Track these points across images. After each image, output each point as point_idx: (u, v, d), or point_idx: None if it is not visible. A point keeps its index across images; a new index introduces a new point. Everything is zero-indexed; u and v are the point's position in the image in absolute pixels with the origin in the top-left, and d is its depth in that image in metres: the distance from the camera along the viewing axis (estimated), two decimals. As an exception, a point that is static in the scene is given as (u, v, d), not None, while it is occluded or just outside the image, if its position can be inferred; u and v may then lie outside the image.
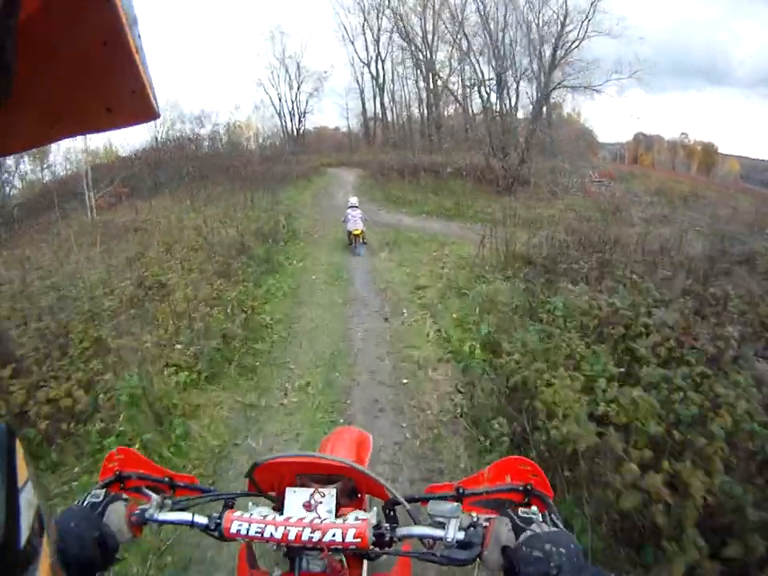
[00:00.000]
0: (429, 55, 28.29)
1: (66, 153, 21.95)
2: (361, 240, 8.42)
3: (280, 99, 33.21)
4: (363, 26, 30.31)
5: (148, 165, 19.44)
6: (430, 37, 27.72)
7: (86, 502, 0.74)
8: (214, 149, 24.30)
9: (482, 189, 14.87)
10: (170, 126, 25.52)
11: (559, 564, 0.53)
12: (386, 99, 32.55)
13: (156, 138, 23.68)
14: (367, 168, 19.89)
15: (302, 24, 52.84)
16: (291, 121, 33.66)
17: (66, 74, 0.34)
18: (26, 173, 22.06)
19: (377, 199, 14.12)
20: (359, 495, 0.84)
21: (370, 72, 31.87)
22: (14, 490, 0.31)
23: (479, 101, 27.17)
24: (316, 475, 0.80)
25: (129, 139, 27.99)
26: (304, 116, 33.79)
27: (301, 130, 33.92)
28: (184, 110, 33.70)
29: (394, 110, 33.26)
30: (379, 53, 31.11)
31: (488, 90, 26.09)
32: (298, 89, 33.08)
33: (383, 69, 31.58)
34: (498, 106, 25.81)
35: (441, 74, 28.55)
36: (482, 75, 26.20)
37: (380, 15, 29.46)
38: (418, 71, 29.63)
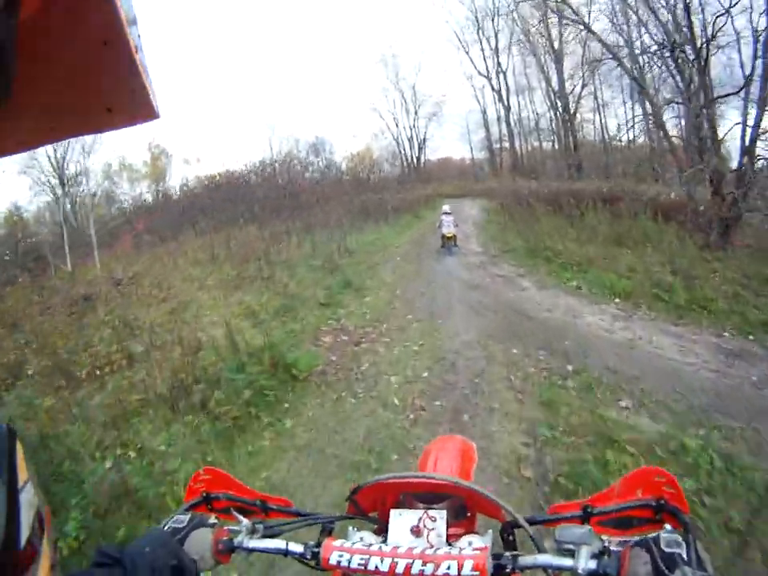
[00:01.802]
0: (555, 63, 23.67)
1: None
2: (453, 243, 10.22)
3: (397, 125, 30.67)
4: (478, 33, 26.30)
5: (190, 202, 18.07)
6: (556, 43, 23.04)
7: (167, 527, 0.68)
8: (300, 177, 21.81)
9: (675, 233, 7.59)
10: (287, 155, 24.19)
11: None
12: (511, 118, 27.72)
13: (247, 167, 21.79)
14: (495, 198, 16.05)
15: (414, 45, 49.98)
16: (410, 148, 30.86)
17: (66, 74, 0.33)
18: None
19: (513, 248, 8.82)
20: (469, 514, 0.76)
21: (491, 85, 27.54)
22: (14, 490, 0.31)
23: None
24: (422, 494, 0.74)
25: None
26: (423, 143, 30.84)
27: (421, 158, 31.02)
28: (299, 137, 30.80)
29: (520, 130, 28.19)
30: (499, 63, 26.76)
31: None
32: (416, 114, 30.32)
33: (506, 82, 27.03)
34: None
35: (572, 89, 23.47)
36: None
37: (495, 19, 25.18)
38: (545, 83, 24.73)
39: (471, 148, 31.76)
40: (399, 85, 29.64)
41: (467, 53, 27.49)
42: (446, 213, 10.64)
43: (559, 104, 23.81)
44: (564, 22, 17.72)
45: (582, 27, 13.74)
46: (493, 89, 27.40)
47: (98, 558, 0.56)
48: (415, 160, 30.75)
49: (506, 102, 27.31)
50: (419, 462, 1.10)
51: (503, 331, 4.70)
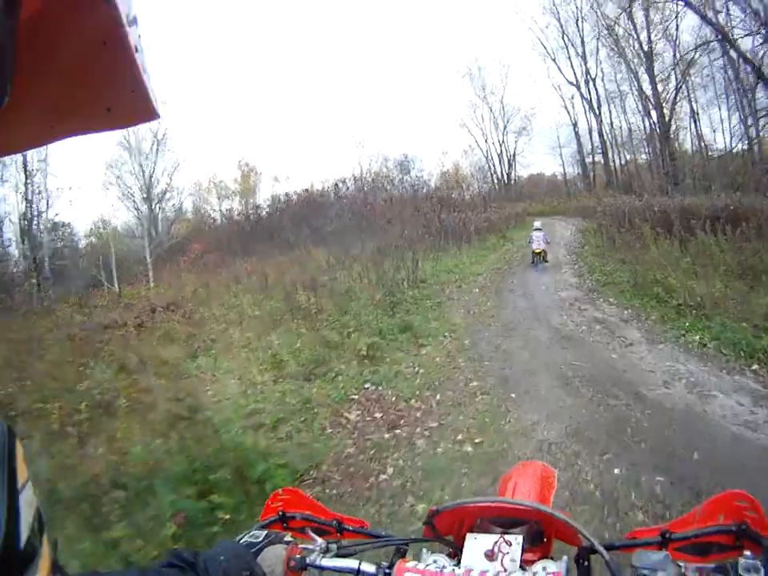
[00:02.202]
0: (645, 64, 21.27)
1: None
2: (541, 258, 10.82)
3: (486, 141, 29.47)
4: (563, 38, 24.82)
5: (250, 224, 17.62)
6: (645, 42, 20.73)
7: (242, 540, 0.70)
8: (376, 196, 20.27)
9: None
10: (376, 171, 23.89)
11: None
12: (603, 129, 25.84)
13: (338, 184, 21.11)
14: (590, 217, 14.10)
15: (500, 56, 47.71)
16: (500, 164, 29.64)
17: (66, 74, 0.34)
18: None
19: (614, 281, 7.50)
20: (545, 540, 0.76)
21: (580, 93, 25.72)
22: (14, 490, 0.31)
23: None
24: (498, 518, 0.73)
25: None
26: (513, 158, 29.64)
27: (511, 175, 29.88)
28: (388, 154, 28.89)
29: (613, 141, 25.94)
30: (587, 70, 24.99)
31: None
32: (505, 129, 29.23)
33: (596, 90, 25.21)
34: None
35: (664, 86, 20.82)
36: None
37: (579, 23, 23.63)
38: (636, 87, 22.53)
39: (563, 163, 29.71)
40: (487, 99, 28.87)
41: (554, 60, 26.01)
42: (536, 229, 11.05)
43: (652, 110, 21.53)
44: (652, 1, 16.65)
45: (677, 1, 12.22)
46: (582, 97, 25.74)
47: (171, 559, 0.57)
48: (505, 176, 29.68)
49: (596, 111, 25.52)
50: (498, 487, 1.09)
51: (600, 426, 3.24)
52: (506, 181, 29.54)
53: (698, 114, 21.23)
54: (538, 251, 10.46)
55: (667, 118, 21.16)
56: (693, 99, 21.25)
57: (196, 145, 46.58)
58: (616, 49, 22.20)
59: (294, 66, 51.42)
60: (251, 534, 0.71)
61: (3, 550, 0.29)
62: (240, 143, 49.89)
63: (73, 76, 0.34)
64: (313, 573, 0.70)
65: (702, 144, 21.29)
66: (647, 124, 22.89)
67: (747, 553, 0.56)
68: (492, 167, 29.85)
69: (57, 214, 16.15)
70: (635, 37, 21.02)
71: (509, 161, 29.64)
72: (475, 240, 13.89)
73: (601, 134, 25.91)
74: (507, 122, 29.13)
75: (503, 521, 0.72)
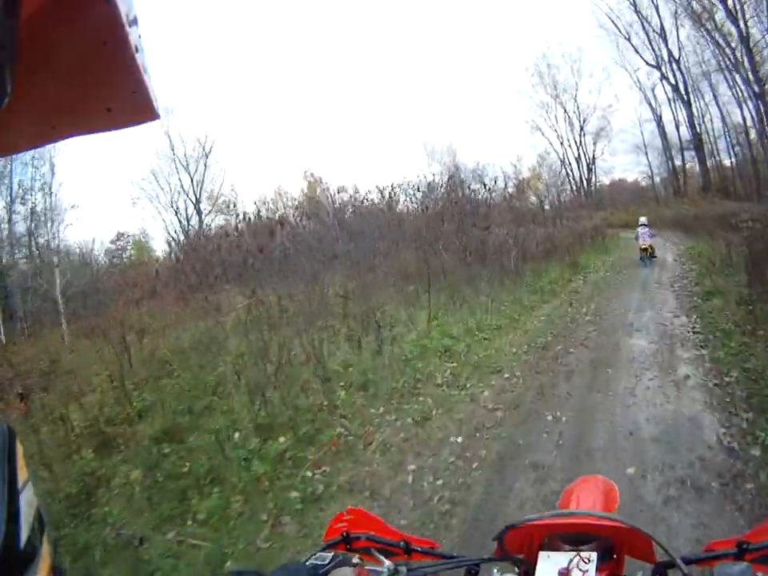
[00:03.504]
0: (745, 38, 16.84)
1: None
2: (648, 254, 10.27)
3: (561, 144, 26.45)
4: (637, 13, 20.39)
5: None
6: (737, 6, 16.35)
7: (308, 562, 0.68)
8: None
9: None
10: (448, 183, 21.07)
11: None
12: (695, 121, 21.00)
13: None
14: (695, 231, 10.97)
15: (569, 51, 45.87)
16: (579, 169, 26.51)
17: (66, 74, 0.34)
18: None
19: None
20: (614, 557, 0.72)
21: (662, 74, 21.39)
22: (14, 490, 0.31)
23: None
24: (567, 535, 0.70)
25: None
26: (593, 162, 26.41)
27: (591, 180, 26.58)
28: (459, 162, 25.14)
29: (708, 136, 20.93)
30: (669, 50, 20.52)
31: None
32: (581, 130, 26.14)
33: (681, 72, 20.73)
34: None
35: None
36: None
37: None
38: (731, 65, 17.83)
39: (649, 164, 25.10)
40: (560, 97, 26.00)
41: (628, 39, 21.73)
42: (642, 224, 10.87)
43: (756, 90, 16.65)
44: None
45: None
46: (665, 79, 21.12)
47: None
48: (585, 183, 26.48)
49: (684, 98, 20.85)
50: (560, 503, 1.06)
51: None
52: (587, 187, 26.62)
53: None
54: (644, 247, 10.47)
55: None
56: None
57: (262, 157, 45.88)
58: (697, 14, 17.71)
59: (357, 71, 50.75)
60: (316, 556, 0.69)
61: (3, 550, 0.29)
62: (306, 154, 47.52)
63: (73, 76, 0.34)
64: None
65: None
66: (750, 114, 17.87)
67: None
68: (570, 173, 26.69)
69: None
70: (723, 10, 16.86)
71: (588, 165, 26.55)
72: (527, 270, 9.11)
73: (692, 126, 20.94)
74: (584, 122, 26.15)
75: (572, 537, 0.70)
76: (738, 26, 17.36)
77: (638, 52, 22.44)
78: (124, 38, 0.31)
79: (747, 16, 17.08)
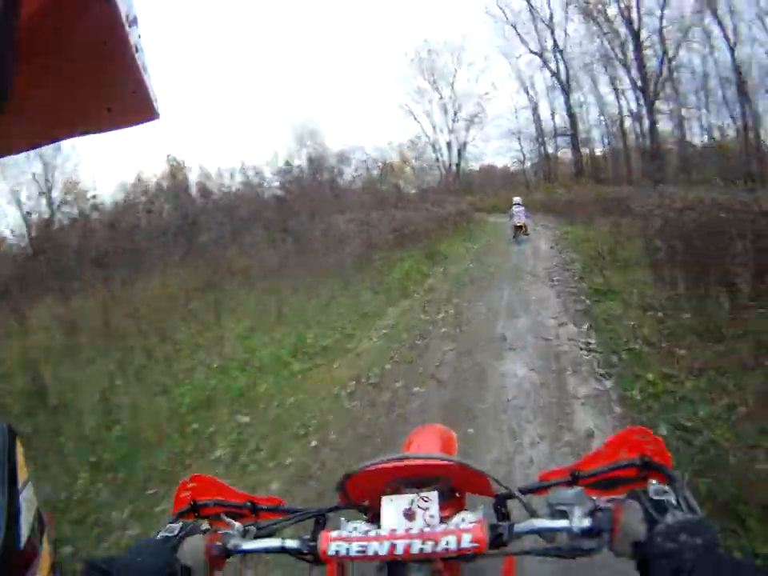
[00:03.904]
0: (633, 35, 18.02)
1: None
2: (522, 231, 10.47)
3: (434, 129, 26.58)
4: (528, 4, 21.41)
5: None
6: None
7: (159, 536, 0.67)
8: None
9: None
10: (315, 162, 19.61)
11: (694, 557, 0.50)
12: (574, 111, 22.06)
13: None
14: (572, 217, 10.94)
15: (452, 38, 42.58)
16: (449, 155, 26.77)
17: (66, 74, 0.34)
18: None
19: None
20: (457, 495, 0.77)
21: (546, 66, 22.18)
22: (14, 490, 0.31)
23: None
24: (408, 479, 0.73)
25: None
26: (464, 148, 26.69)
27: (461, 166, 26.91)
28: (326, 145, 24.23)
29: (584, 125, 22.26)
30: (555, 40, 21.58)
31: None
32: (455, 115, 26.43)
33: (564, 63, 21.57)
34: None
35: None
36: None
37: None
38: (617, 58, 18.92)
39: (521, 148, 25.99)
40: (437, 84, 26.23)
41: (514, 26, 22.77)
42: (517, 204, 11.21)
43: (639, 84, 17.90)
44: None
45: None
46: (546, 65, 21.95)
47: (86, 570, 0.55)
48: (455, 168, 26.78)
49: (564, 85, 22.03)
50: (402, 450, 1.10)
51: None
52: (457, 172, 26.77)
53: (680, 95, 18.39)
54: (519, 225, 10.84)
55: (652, 97, 18.39)
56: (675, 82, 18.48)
57: (123, 142, 42.57)
58: (587, 15, 19.09)
59: (228, 50, 47.34)
60: (166, 528, 0.69)
61: (3, 550, 0.29)
62: (170, 136, 41.66)
63: (73, 76, 0.34)
64: (236, 557, 0.69)
65: (683, 131, 18.82)
66: (628, 105, 19.56)
67: (653, 481, 0.61)
68: (440, 158, 26.88)
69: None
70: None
71: (458, 150, 26.75)
72: (376, 262, 7.62)
73: (570, 114, 22.04)
74: (458, 108, 26.32)
75: (413, 481, 0.73)
76: (629, 23, 18.44)
77: (522, 40, 23.43)
78: (124, 38, 0.31)
79: (642, 11, 18.18)
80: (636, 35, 18.44)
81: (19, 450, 0.34)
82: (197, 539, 0.67)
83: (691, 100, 18.37)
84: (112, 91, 0.35)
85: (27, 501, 0.33)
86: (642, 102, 18.93)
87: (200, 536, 0.68)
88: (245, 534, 0.71)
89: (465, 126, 26.63)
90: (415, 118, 27.87)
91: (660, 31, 17.94)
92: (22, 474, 0.34)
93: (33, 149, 0.40)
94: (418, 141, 26.72)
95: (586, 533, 0.59)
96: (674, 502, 0.57)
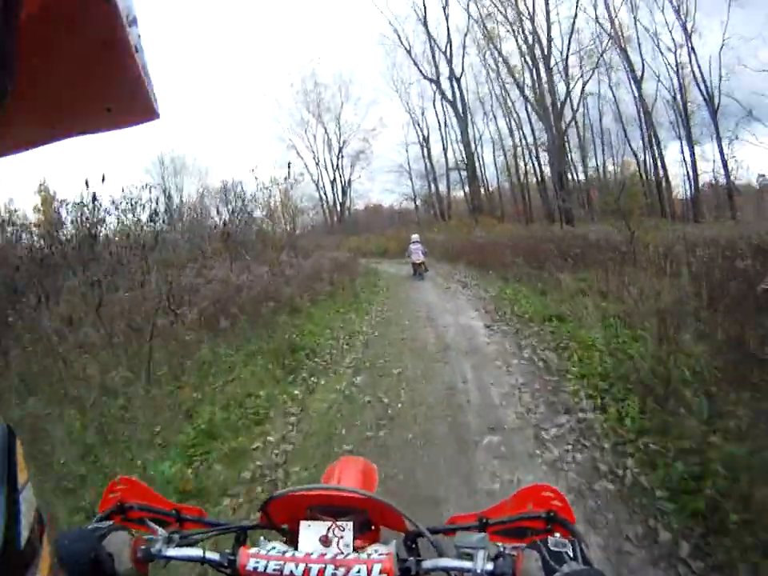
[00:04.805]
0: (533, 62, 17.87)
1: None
2: (422, 270, 10.58)
3: (317, 165, 25.24)
4: (425, 26, 20.76)
5: None
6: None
7: (89, 527, 0.70)
8: None
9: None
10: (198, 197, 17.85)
11: None
12: (472, 139, 20.74)
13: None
14: (504, 269, 8.08)
15: (340, 69, 42.04)
16: (333, 193, 25.42)
17: (66, 74, 0.34)
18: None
19: None
20: (372, 528, 0.80)
21: (442, 95, 20.81)
22: (14, 490, 0.31)
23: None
24: (327, 507, 0.77)
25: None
26: (349, 186, 25.22)
27: (345, 204, 25.31)
28: (209, 182, 22.86)
29: (480, 159, 20.90)
30: (452, 69, 20.83)
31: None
32: (339, 152, 25.24)
33: (460, 91, 20.58)
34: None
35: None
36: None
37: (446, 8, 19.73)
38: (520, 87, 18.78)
39: (412, 185, 24.42)
40: (321, 116, 24.84)
41: (408, 51, 22.00)
42: (415, 241, 11.19)
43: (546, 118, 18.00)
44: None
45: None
46: (441, 94, 21.37)
47: None
48: (339, 207, 25.06)
49: (461, 114, 21.03)
50: (323, 479, 1.13)
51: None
52: (339, 212, 25.50)
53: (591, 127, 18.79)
54: (418, 263, 10.94)
55: (564, 128, 18.21)
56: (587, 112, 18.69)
57: None
58: (490, 43, 18.96)
59: None
60: (94, 523, 0.72)
61: (3, 550, 0.29)
62: (43, 166, 36.98)
63: (73, 76, 0.34)
64: (159, 563, 0.71)
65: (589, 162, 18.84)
66: (525, 139, 19.12)
67: (557, 534, 0.66)
68: (324, 196, 25.37)
69: None
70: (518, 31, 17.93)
71: (343, 188, 25.36)
72: (175, 380, 3.95)
73: (466, 145, 20.63)
74: (343, 143, 25.13)
75: (332, 510, 0.76)
76: (533, 55, 18.40)
77: (417, 64, 22.39)
78: (124, 38, 0.31)
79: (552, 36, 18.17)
80: (547, 63, 18.39)
81: (19, 450, 0.34)
82: (123, 535, 0.70)
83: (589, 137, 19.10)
84: (112, 91, 0.35)
85: (27, 501, 0.33)
86: (542, 134, 18.74)
87: (126, 534, 0.71)
88: (168, 542, 0.73)
89: (350, 162, 25.41)
90: (298, 153, 26.08)
91: (566, 61, 18.21)
92: (22, 474, 0.34)
93: (33, 149, 0.40)
94: (300, 178, 25.25)
95: None
96: (570, 554, 0.61)
